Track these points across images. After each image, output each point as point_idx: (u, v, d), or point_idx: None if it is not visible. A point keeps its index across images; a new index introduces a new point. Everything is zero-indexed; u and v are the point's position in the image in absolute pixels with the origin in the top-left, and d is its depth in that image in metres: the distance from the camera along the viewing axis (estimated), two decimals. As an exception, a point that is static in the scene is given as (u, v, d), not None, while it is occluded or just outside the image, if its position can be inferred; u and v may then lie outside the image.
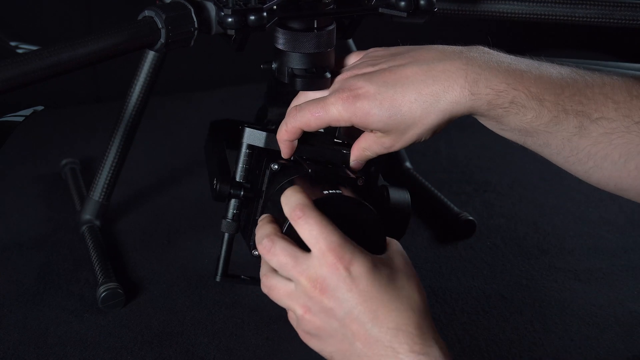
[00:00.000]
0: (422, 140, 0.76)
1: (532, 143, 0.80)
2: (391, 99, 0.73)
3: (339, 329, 0.70)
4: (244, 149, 0.84)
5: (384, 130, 0.74)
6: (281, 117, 0.93)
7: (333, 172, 0.81)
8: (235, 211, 0.85)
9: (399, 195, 0.86)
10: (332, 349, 0.71)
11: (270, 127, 0.89)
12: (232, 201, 0.85)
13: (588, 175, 0.77)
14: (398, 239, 0.78)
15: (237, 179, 0.85)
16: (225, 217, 0.85)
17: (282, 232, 0.74)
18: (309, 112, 0.76)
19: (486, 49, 0.81)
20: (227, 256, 0.85)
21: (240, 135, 0.85)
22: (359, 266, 0.69)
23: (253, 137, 0.84)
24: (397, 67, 0.77)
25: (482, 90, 0.76)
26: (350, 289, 0.69)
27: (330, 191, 0.76)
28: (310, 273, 0.70)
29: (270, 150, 0.84)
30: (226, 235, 0.85)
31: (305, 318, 0.71)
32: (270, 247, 0.72)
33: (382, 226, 0.77)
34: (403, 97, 0.73)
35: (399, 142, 0.76)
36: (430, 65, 0.77)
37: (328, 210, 0.74)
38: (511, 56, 0.80)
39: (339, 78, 0.78)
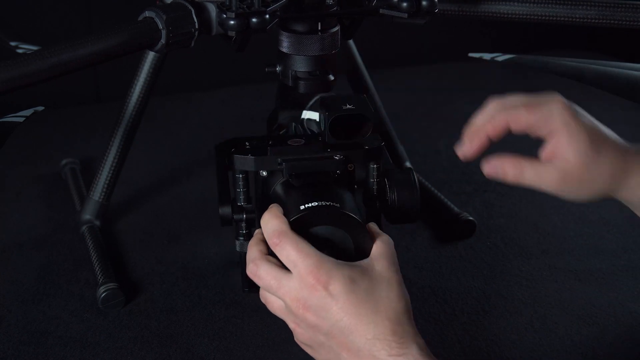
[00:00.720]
0: None
1: None
2: None
3: (325, 342, 0.75)
4: (237, 175, 0.85)
5: None
6: (291, 120, 0.94)
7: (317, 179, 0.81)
8: (244, 231, 0.86)
9: (403, 177, 0.86)
10: (323, 358, 0.77)
11: (274, 133, 0.90)
12: (240, 224, 0.86)
13: None
14: (413, 221, 0.83)
15: (239, 203, 0.86)
16: (237, 238, 0.86)
17: (268, 252, 0.77)
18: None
19: None
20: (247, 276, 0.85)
21: (230, 162, 0.85)
22: (337, 284, 0.73)
23: (242, 163, 0.85)
24: None
25: None
26: (329, 308, 0.73)
27: (307, 205, 0.77)
28: (293, 294, 0.75)
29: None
30: (241, 253, 0.86)
31: (297, 331, 0.77)
32: (255, 271, 0.77)
33: (364, 230, 0.78)
34: None
35: None
36: None
37: (305, 228, 0.76)
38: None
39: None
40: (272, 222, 0.76)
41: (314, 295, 0.73)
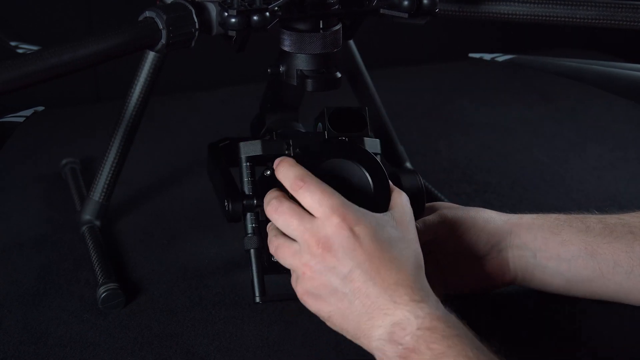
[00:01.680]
0: None
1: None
2: None
3: (339, 287, 0.72)
4: (244, 163, 0.85)
5: None
6: (280, 123, 0.94)
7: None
8: (253, 225, 0.85)
9: (410, 180, 0.87)
10: (331, 309, 0.74)
11: (266, 136, 0.90)
12: (248, 216, 0.85)
13: None
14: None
15: (247, 192, 0.85)
16: (245, 234, 0.85)
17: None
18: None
19: None
20: (260, 274, 0.84)
21: (237, 152, 0.85)
22: (363, 227, 0.72)
23: (249, 149, 0.85)
24: None
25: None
26: (354, 248, 0.71)
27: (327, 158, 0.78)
28: (315, 232, 0.73)
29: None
30: (252, 251, 0.85)
31: (306, 275, 0.74)
32: (277, 207, 0.75)
33: (387, 181, 0.78)
34: None
35: None
36: None
37: (327, 176, 0.76)
38: None
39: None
40: (293, 169, 0.75)
41: (338, 234, 0.72)
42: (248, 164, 0.85)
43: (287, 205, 0.75)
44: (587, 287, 0.91)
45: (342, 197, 0.74)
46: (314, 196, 0.73)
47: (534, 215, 0.93)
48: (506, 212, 0.95)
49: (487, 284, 0.92)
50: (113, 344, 0.92)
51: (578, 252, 0.89)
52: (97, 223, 1.12)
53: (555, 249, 0.89)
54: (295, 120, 1.00)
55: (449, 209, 0.92)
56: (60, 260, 1.08)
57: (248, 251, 0.86)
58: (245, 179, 0.86)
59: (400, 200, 0.79)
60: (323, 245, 0.72)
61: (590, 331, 0.93)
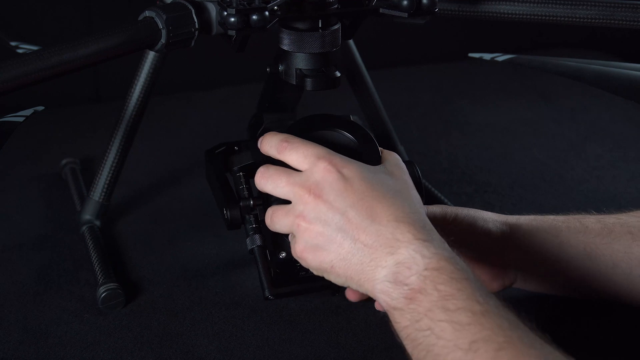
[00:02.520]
0: None
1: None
2: None
3: (337, 231, 0.71)
4: (237, 174, 0.86)
5: None
6: (278, 122, 0.94)
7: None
8: (254, 225, 0.85)
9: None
10: (332, 257, 0.72)
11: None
12: (248, 218, 0.86)
13: None
14: None
15: (242, 196, 0.86)
16: (247, 235, 0.86)
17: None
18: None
19: None
20: (266, 269, 0.84)
21: (229, 163, 0.86)
22: (352, 169, 0.71)
23: (241, 159, 0.86)
24: None
25: None
26: (344, 189, 0.70)
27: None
28: (304, 182, 0.72)
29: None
30: (256, 249, 0.85)
31: (302, 227, 0.72)
32: (264, 172, 0.76)
33: (376, 145, 0.78)
34: None
35: None
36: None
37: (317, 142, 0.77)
38: None
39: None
40: (276, 136, 0.76)
41: (327, 178, 0.71)
42: (241, 173, 0.87)
43: (273, 168, 0.75)
44: (586, 288, 0.91)
45: (328, 149, 0.73)
46: (298, 151, 0.73)
47: (532, 217, 0.92)
48: (506, 212, 0.95)
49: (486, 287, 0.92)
50: (113, 344, 0.92)
51: (576, 254, 0.88)
52: (97, 223, 1.12)
53: (553, 250, 0.89)
54: (292, 120, 1.01)
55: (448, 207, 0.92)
56: (60, 260, 1.08)
57: (252, 251, 0.86)
58: (240, 187, 0.87)
59: (391, 156, 0.78)
60: (314, 192, 0.71)
61: (588, 334, 0.93)
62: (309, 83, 0.83)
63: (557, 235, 0.89)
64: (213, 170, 0.93)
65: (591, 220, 0.91)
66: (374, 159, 0.77)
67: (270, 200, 0.80)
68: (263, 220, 0.83)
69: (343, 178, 0.71)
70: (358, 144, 0.79)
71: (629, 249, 0.87)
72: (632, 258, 0.87)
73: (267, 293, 0.84)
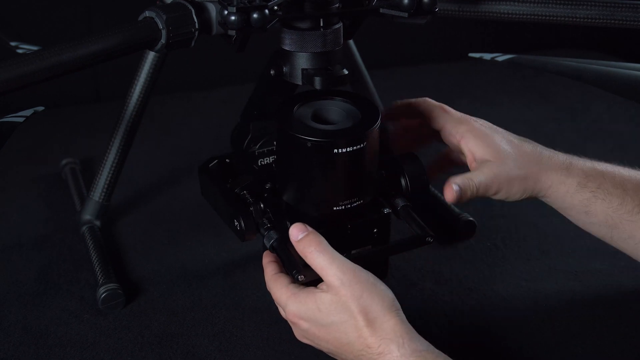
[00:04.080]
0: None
1: (618, 237, 0.91)
2: None
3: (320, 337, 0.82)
4: (241, 192, 0.90)
5: None
6: (264, 131, 0.95)
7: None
8: (268, 225, 0.86)
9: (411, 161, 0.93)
10: (328, 347, 0.82)
11: (251, 146, 0.92)
12: (261, 222, 0.86)
13: None
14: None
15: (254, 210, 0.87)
16: (262, 236, 0.86)
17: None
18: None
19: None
20: (288, 256, 0.85)
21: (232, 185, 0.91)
22: (304, 323, 0.82)
23: (241, 181, 0.92)
24: None
25: (574, 170, 0.90)
26: (313, 338, 0.83)
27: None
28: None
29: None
30: (275, 244, 0.85)
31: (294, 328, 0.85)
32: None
33: (368, 100, 0.88)
34: None
35: None
36: None
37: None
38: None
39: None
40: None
41: (296, 328, 0.83)
42: (245, 192, 0.88)
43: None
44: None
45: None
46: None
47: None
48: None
49: None
50: (113, 344, 0.93)
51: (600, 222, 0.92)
52: (97, 223, 1.12)
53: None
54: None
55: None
56: (60, 261, 1.08)
57: (272, 247, 0.86)
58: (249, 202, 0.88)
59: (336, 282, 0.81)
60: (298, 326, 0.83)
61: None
62: (318, 82, 0.83)
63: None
64: (213, 185, 0.93)
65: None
66: (374, 117, 0.84)
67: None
68: (277, 219, 0.87)
69: (304, 331, 0.83)
70: (355, 107, 0.85)
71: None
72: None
73: (297, 277, 0.84)
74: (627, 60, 1.04)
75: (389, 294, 0.79)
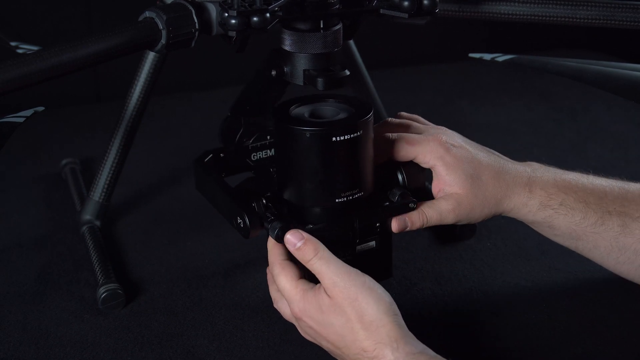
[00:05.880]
0: None
1: (583, 247, 0.94)
2: None
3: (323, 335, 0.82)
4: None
5: None
6: (256, 127, 0.95)
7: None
8: (271, 218, 0.86)
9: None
10: (327, 346, 0.83)
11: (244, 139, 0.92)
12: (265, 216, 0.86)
13: None
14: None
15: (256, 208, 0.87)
16: (267, 230, 0.86)
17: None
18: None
19: (540, 164, 0.95)
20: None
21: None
22: (307, 321, 0.83)
23: (247, 184, 0.93)
24: None
25: (536, 191, 0.91)
26: (314, 337, 0.84)
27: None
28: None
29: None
30: (279, 232, 0.85)
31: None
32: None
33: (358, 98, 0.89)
34: None
35: None
36: None
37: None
38: (560, 170, 0.95)
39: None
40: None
41: (300, 323, 0.84)
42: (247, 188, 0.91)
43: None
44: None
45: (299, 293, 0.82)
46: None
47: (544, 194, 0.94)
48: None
49: None
50: (113, 344, 0.93)
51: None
52: (97, 223, 1.12)
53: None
54: (268, 122, 1.01)
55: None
56: (60, 261, 1.08)
57: (278, 236, 0.85)
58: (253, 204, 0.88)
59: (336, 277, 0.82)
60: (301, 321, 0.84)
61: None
62: (320, 82, 0.84)
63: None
64: (211, 179, 0.93)
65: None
66: (367, 111, 0.85)
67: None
68: (280, 211, 0.88)
69: (305, 329, 0.84)
70: (349, 105, 0.87)
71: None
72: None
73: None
74: (627, 60, 1.04)
75: (385, 297, 0.80)
